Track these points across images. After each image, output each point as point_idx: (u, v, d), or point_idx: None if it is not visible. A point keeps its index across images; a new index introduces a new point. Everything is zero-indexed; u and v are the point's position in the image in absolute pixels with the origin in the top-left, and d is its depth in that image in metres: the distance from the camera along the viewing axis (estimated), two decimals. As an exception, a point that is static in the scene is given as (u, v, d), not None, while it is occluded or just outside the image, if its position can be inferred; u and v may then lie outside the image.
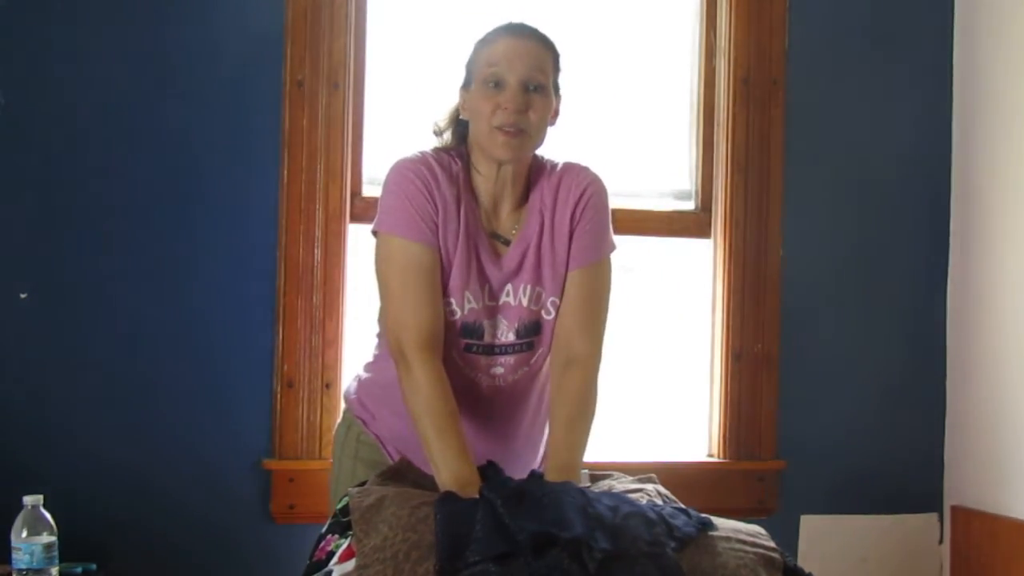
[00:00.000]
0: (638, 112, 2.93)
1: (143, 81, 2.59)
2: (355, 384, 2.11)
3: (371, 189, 2.74)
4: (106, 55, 2.58)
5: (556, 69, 1.94)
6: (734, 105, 2.85)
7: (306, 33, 2.65)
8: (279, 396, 2.63)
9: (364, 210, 2.70)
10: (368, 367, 2.09)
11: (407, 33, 2.81)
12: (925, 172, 2.98)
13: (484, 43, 1.92)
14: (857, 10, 2.95)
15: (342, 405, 2.16)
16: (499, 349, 1.95)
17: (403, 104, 2.78)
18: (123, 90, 2.59)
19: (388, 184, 1.93)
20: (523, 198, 1.97)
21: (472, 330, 1.93)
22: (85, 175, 2.57)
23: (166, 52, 2.60)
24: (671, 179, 2.93)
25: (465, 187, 1.93)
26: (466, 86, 1.95)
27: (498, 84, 1.87)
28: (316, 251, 2.64)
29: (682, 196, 2.93)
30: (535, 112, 1.87)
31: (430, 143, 2.01)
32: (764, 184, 2.86)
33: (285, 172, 2.64)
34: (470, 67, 1.94)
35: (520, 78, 1.86)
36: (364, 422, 2.06)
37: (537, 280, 1.94)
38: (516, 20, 1.95)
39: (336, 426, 2.17)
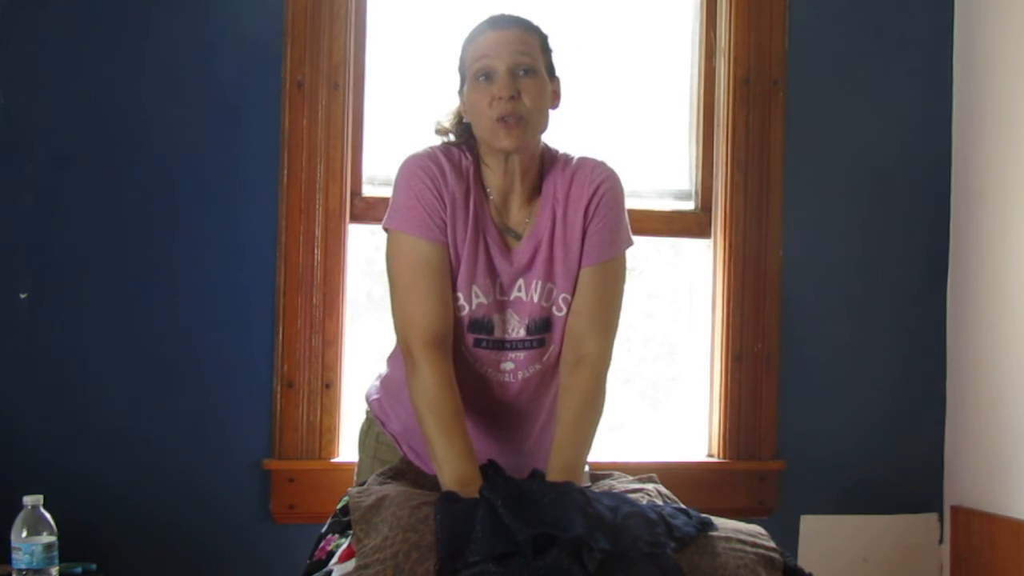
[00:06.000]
0: (638, 112, 2.93)
1: (143, 81, 2.60)
2: (375, 383, 2.11)
3: (371, 189, 2.74)
4: (106, 56, 2.58)
5: (545, 51, 1.93)
6: (734, 105, 2.85)
7: (306, 33, 2.65)
8: (279, 396, 2.63)
9: (364, 210, 2.70)
10: (386, 363, 2.09)
11: (407, 33, 2.81)
12: (925, 172, 2.98)
13: (469, 41, 1.93)
14: (857, 10, 2.95)
15: (364, 406, 2.15)
16: (509, 345, 1.94)
17: (403, 104, 2.78)
18: (123, 90, 2.59)
19: (397, 181, 1.93)
20: (535, 191, 1.96)
21: (481, 325, 1.92)
22: (85, 175, 2.58)
23: (166, 52, 2.61)
24: (671, 179, 2.93)
25: (475, 181, 1.92)
26: (461, 87, 1.95)
27: (488, 76, 1.87)
28: (316, 251, 2.64)
29: (682, 196, 2.92)
30: (529, 96, 1.86)
31: (435, 140, 2.00)
32: (764, 184, 2.86)
33: (285, 172, 2.64)
34: (461, 68, 1.95)
35: (508, 65, 1.86)
36: (382, 423, 2.06)
37: (549, 276, 1.93)
38: (496, 12, 1.94)
39: (361, 423, 2.16)
